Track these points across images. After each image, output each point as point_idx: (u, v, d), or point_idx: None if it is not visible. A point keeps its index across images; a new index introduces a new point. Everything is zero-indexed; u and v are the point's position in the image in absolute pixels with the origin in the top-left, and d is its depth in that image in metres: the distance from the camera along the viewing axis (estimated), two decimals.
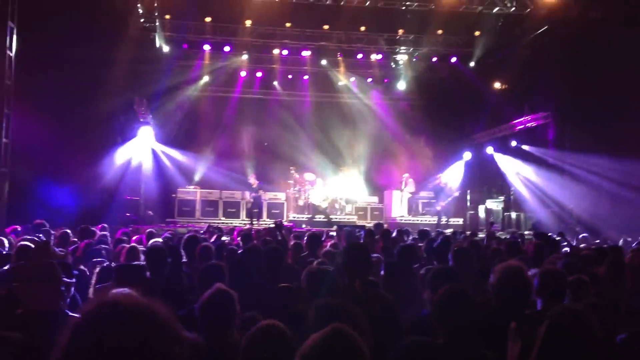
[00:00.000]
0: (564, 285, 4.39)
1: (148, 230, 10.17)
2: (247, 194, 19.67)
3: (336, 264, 5.53)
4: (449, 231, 13.97)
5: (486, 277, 4.97)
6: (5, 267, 5.92)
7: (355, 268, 4.63)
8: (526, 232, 16.35)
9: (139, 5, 17.50)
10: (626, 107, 16.10)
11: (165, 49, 21.15)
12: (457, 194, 19.63)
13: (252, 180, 19.11)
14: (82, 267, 5.94)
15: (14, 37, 12.80)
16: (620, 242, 11.33)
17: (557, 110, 18.90)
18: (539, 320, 3.04)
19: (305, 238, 8.58)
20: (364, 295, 4.43)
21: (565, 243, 10.08)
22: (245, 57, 22.09)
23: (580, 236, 12.67)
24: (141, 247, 7.36)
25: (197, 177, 21.70)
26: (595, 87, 16.69)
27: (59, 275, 4.09)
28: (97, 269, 5.21)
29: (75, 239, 8.82)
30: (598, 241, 12.29)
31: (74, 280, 4.78)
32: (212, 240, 9.33)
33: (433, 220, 19.99)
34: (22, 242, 6.49)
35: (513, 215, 20.16)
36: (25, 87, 13.30)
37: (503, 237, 13.07)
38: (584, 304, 4.16)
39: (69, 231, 9.17)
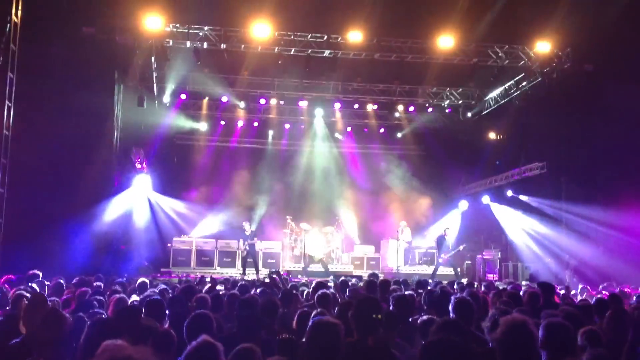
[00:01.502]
0: (570, 337, 4.32)
1: (139, 281, 10.06)
2: (242, 243, 19.47)
3: (339, 316, 5.42)
4: (445, 281, 13.85)
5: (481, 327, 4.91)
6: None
7: (367, 323, 4.52)
8: (524, 283, 16.25)
9: (138, 56, 17.69)
10: (620, 157, 16.22)
11: (165, 99, 21.33)
12: (462, 248, 19.45)
13: (247, 227, 18.95)
14: (80, 314, 5.85)
15: (13, 87, 12.89)
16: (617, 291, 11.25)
17: (552, 160, 19.01)
18: None
19: (313, 285, 8.49)
20: (376, 352, 4.31)
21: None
22: (242, 107, 22.25)
23: (580, 287, 12.58)
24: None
25: (192, 226, 21.61)
26: (590, 138, 16.85)
27: (69, 328, 4.10)
28: (89, 322, 5.11)
29: (69, 290, 8.74)
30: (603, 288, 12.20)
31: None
32: (206, 290, 9.21)
33: (430, 270, 19.83)
34: (24, 295, 6.43)
35: (510, 265, 20.08)
36: (23, 136, 13.34)
37: (501, 287, 12.96)
38: (588, 356, 4.09)
39: (62, 281, 9.10)
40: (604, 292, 11.32)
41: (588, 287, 12.85)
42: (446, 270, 19.32)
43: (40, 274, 9.74)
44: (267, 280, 11.74)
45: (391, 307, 6.54)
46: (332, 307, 6.94)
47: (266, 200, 22.78)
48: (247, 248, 18.65)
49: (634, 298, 10.36)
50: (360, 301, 4.91)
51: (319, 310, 6.35)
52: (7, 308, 6.93)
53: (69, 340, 4.16)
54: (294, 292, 8.75)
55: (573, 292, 12.21)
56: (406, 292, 8.49)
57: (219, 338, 4.57)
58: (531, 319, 4.10)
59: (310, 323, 4.43)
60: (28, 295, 6.18)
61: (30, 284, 8.66)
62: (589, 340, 4.71)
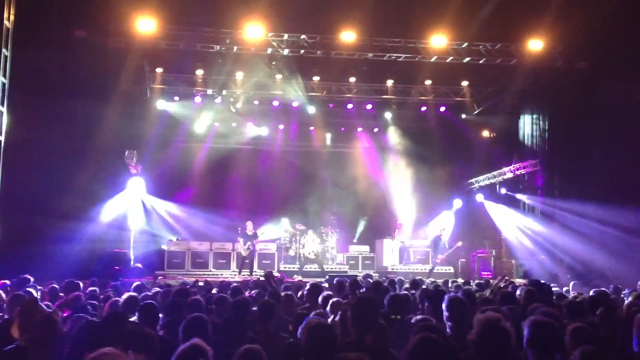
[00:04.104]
0: (555, 335, 4.33)
1: (135, 284, 10.06)
2: (238, 245, 19.38)
3: (342, 317, 5.44)
4: (440, 280, 13.90)
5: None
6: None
7: (365, 323, 4.53)
8: (518, 280, 16.31)
9: (130, 59, 17.66)
10: (613, 153, 16.28)
11: (157, 101, 21.31)
12: (460, 244, 19.53)
13: (250, 227, 18.91)
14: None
15: (6, 92, 12.87)
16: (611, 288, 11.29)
17: (545, 158, 19.07)
18: None
19: (307, 287, 8.44)
20: (374, 352, 4.32)
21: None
22: (236, 107, 22.22)
23: (571, 283, 12.62)
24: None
25: (187, 228, 21.57)
26: (582, 135, 16.91)
27: (61, 333, 4.13)
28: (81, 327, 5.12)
29: (62, 294, 8.73)
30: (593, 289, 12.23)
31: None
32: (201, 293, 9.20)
33: (425, 268, 19.87)
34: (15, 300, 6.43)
35: (504, 262, 20.14)
36: (16, 141, 13.33)
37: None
38: (580, 354, 4.09)
39: (56, 286, 9.09)
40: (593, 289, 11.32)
41: (577, 283, 12.90)
42: (443, 269, 19.37)
43: (32, 279, 9.73)
44: (262, 278, 11.76)
45: (386, 307, 6.55)
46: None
47: (260, 201, 22.77)
48: (250, 248, 18.61)
49: (626, 291, 10.40)
50: (358, 301, 4.94)
51: (317, 311, 6.37)
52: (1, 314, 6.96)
53: (61, 346, 4.18)
54: (289, 292, 8.75)
55: (565, 288, 12.25)
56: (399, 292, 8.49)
57: (213, 341, 4.59)
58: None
59: (304, 325, 4.46)
60: (22, 300, 6.18)
61: (23, 289, 8.65)
62: (576, 338, 4.71)
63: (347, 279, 11.28)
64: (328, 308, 6.88)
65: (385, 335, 5.14)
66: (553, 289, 10.49)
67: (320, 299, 7.17)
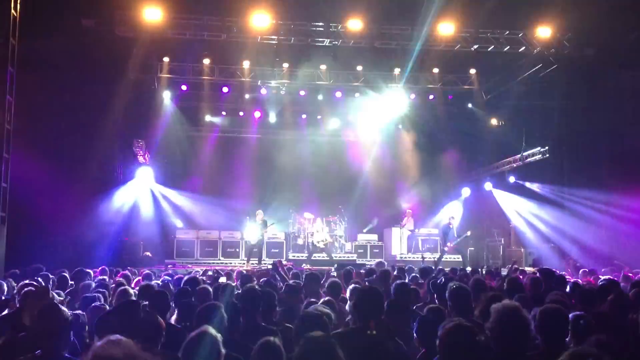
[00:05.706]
0: (564, 323, 4.32)
1: (144, 272, 10.11)
2: (246, 232, 19.41)
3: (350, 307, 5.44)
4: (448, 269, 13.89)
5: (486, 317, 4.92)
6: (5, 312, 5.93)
7: (368, 310, 4.55)
8: (527, 268, 16.29)
9: (137, 48, 17.64)
10: (622, 140, 16.20)
11: (164, 90, 21.29)
12: (469, 233, 19.47)
13: (260, 215, 18.92)
14: (79, 311, 5.89)
15: (14, 82, 12.86)
16: (621, 276, 11.27)
17: (554, 145, 18.98)
18: None
19: (304, 279, 8.40)
20: (377, 339, 4.34)
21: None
22: (243, 96, 22.21)
23: (581, 271, 12.60)
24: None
25: (195, 217, 21.63)
26: (591, 122, 16.81)
27: (69, 324, 4.15)
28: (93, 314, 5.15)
29: (72, 282, 8.78)
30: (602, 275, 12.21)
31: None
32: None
33: (433, 257, 19.86)
34: (26, 288, 6.43)
35: (513, 251, 20.11)
36: (24, 130, 13.35)
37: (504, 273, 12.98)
38: (594, 343, 4.07)
39: (67, 274, 9.13)
40: (602, 277, 11.30)
41: (587, 270, 12.87)
42: (451, 258, 19.36)
43: (44, 268, 9.79)
44: (269, 267, 11.79)
45: (393, 296, 6.56)
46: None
47: (268, 190, 22.78)
48: (260, 238, 18.64)
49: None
50: (361, 290, 4.94)
51: (325, 299, 6.40)
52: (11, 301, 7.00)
53: (66, 334, 4.21)
54: (298, 281, 8.74)
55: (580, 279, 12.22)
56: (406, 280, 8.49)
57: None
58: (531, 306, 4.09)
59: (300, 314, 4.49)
60: (32, 288, 6.22)
61: (35, 277, 8.70)
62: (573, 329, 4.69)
63: (352, 268, 11.32)
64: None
65: (394, 325, 5.16)
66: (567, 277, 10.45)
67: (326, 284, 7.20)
